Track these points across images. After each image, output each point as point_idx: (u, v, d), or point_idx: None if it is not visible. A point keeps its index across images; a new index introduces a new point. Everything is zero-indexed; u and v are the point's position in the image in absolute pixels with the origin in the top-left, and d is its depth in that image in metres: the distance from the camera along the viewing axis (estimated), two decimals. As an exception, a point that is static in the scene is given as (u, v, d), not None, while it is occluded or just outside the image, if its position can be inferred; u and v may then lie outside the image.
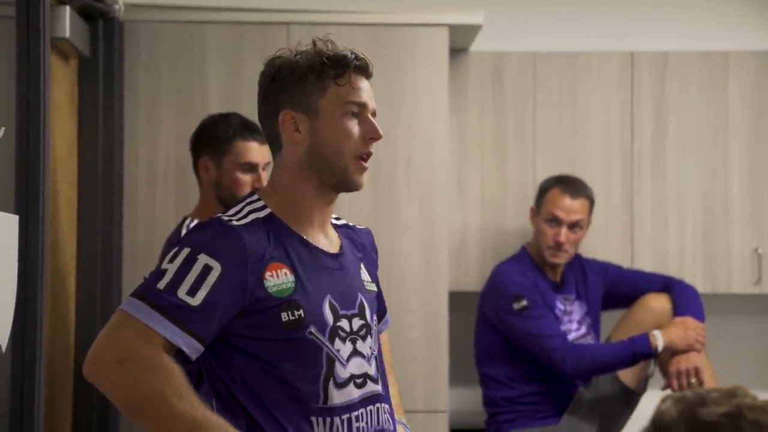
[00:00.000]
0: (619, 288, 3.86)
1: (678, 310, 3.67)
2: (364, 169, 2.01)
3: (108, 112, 3.43)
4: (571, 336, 3.72)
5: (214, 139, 3.06)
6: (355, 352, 2.00)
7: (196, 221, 2.98)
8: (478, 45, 4.02)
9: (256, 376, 1.92)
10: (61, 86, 3.23)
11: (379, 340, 2.13)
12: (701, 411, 1.39)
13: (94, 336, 1.89)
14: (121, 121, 3.51)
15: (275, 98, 2.01)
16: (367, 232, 2.21)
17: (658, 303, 3.73)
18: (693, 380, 3.53)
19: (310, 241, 2.02)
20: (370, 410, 2.01)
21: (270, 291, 1.92)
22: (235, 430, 1.85)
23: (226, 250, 1.90)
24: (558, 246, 3.72)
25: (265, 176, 3.01)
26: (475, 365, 3.84)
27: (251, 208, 2.01)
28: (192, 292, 1.86)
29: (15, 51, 2.46)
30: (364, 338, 2.03)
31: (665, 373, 3.60)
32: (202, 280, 1.87)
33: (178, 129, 3.53)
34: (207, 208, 3.04)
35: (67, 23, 3.10)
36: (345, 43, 2.06)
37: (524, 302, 3.64)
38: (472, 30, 3.79)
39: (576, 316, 3.80)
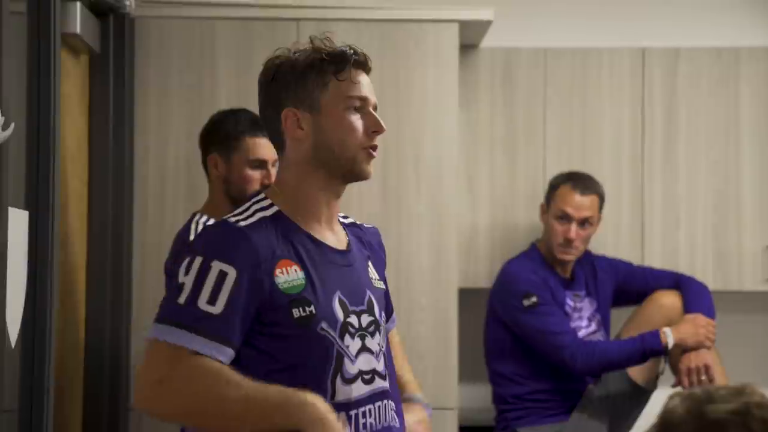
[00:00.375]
0: (630, 285, 3.85)
1: (688, 307, 3.65)
2: (372, 157, 2.02)
3: (118, 108, 3.44)
4: (581, 333, 3.72)
5: (223, 135, 3.06)
6: (364, 348, 2.01)
7: (205, 217, 2.98)
8: (488, 41, 4.02)
9: (264, 371, 1.92)
10: (71, 82, 3.24)
11: (387, 337, 2.13)
12: (709, 408, 1.39)
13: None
14: (132, 116, 3.52)
15: (277, 97, 2.02)
16: (375, 232, 2.21)
17: (668, 300, 3.72)
18: (703, 378, 3.52)
19: (318, 237, 2.02)
20: (378, 406, 2.02)
21: (281, 288, 1.93)
22: (292, 389, 1.85)
23: (238, 252, 1.91)
24: (568, 243, 3.71)
25: (274, 173, 3.01)
26: (484, 362, 3.84)
27: (258, 207, 2.01)
28: (212, 300, 1.88)
29: (26, 47, 2.47)
30: (372, 335, 2.03)
31: (675, 371, 3.60)
32: (220, 287, 1.89)
33: (188, 125, 3.53)
34: (216, 205, 3.04)
35: (77, 19, 3.11)
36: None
37: (534, 299, 3.64)
38: (483, 26, 3.78)
39: (586, 313, 3.79)
